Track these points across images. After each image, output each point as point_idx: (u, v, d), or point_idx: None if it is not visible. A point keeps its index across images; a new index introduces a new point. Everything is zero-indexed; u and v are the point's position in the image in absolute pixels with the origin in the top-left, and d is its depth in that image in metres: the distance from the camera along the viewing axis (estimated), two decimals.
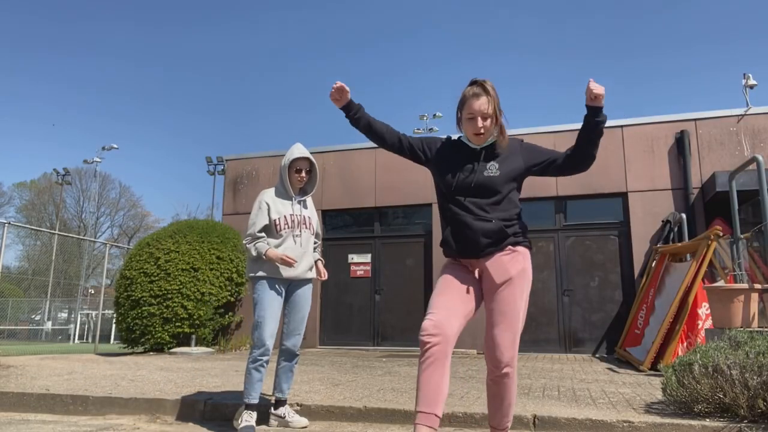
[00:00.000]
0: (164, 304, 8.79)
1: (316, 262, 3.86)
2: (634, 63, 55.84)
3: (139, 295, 8.85)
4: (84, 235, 32.95)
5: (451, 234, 2.52)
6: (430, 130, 24.21)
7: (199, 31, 58.94)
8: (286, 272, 3.56)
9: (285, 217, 3.66)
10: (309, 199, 3.86)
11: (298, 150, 3.74)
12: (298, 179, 3.73)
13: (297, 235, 3.65)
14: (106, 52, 55.38)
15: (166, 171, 60.74)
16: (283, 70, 62.37)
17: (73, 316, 22.01)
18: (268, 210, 3.65)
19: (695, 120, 9.07)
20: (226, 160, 11.87)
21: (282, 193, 3.72)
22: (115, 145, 30.41)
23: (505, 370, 2.38)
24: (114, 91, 57.08)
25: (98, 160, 31.18)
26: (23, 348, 11.41)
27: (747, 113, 8.86)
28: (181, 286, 8.88)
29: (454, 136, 2.68)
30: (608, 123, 9.05)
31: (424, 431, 2.17)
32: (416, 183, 10.05)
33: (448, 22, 57.96)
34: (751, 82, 9.36)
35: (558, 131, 9.65)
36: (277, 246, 3.58)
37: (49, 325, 21.53)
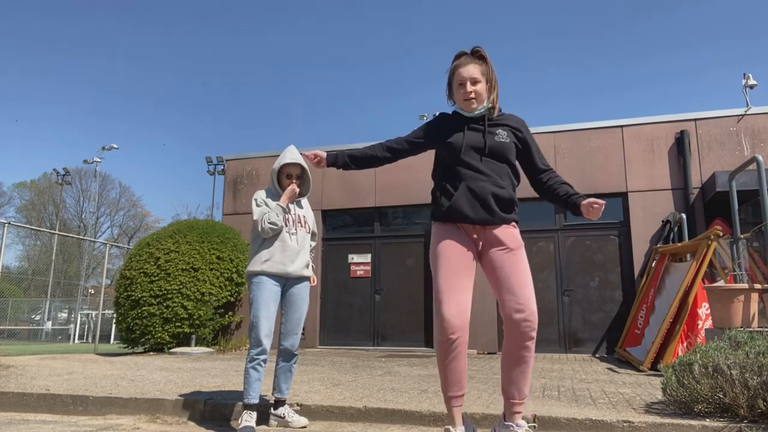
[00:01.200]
0: (164, 304, 8.79)
1: None
2: (634, 63, 55.88)
3: (139, 295, 8.85)
4: (84, 235, 32.96)
5: (466, 197, 2.44)
6: None
7: (199, 32, 58.99)
8: (283, 269, 3.55)
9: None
10: (304, 200, 3.85)
11: (290, 155, 3.68)
12: (288, 185, 3.69)
13: (293, 233, 3.64)
14: (106, 52, 55.44)
15: (166, 171, 60.79)
16: (283, 70, 62.43)
17: (73, 316, 22.03)
18: (267, 205, 3.66)
19: (695, 120, 9.07)
20: (226, 160, 11.87)
21: (274, 195, 3.69)
22: (115, 145, 30.45)
23: (532, 329, 2.35)
24: (114, 91, 57.13)
25: (98, 160, 31.21)
26: (23, 348, 11.41)
27: (747, 113, 8.86)
28: (181, 286, 8.88)
29: (449, 112, 2.67)
30: (608, 123, 9.00)
31: (458, 411, 2.45)
32: (416, 183, 10.05)
33: (449, 20, 58.01)
34: (751, 82, 9.36)
35: (558, 131, 9.65)
36: (273, 243, 3.57)
37: (49, 325, 21.54)
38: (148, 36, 57.68)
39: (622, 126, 9.39)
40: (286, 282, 3.62)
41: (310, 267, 3.76)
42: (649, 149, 9.19)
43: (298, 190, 3.68)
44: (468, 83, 2.45)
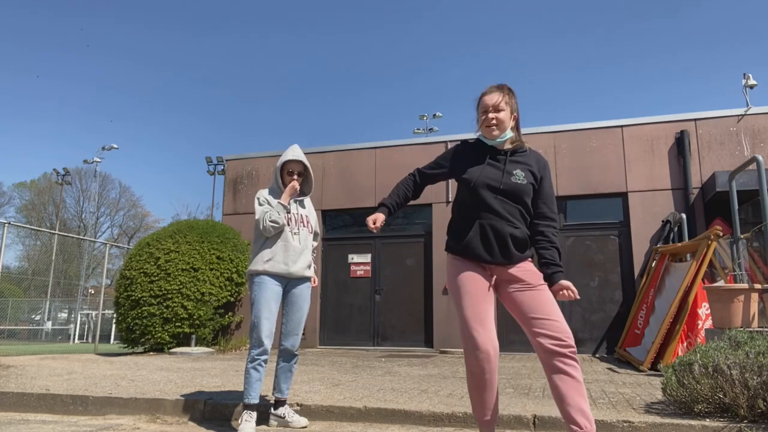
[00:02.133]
0: (164, 304, 8.79)
1: None
2: (634, 63, 55.87)
3: (139, 295, 8.85)
4: (84, 235, 32.96)
5: (480, 238, 2.44)
6: (430, 130, 24.20)
7: (199, 31, 58.98)
8: (285, 269, 3.53)
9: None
10: (307, 200, 3.86)
11: (292, 152, 3.73)
12: (290, 182, 3.70)
13: (295, 233, 3.63)
14: (106, 52, 55.42)
15: (166, 171, 60.79)
16: (283, 70, 62.42)
17: (73, 316, 22.03)
18: (268, 204, 3.68)
19: (695, 120, 9.07)
20: (226, 160, 11.86)
21: (277, 193, 3.70)
22: (115, 145, 30.48)
23: (571, 350, 2.25)
24: (114, 91, 57.11)
25: (98, 160, 31.23)
26: (23, 348, 11.41)
27: (747, 113, 8.86)
28: (181, 286, 8.88)
29: (471, 140, 2.68)
30: (608, 123, 9.01)
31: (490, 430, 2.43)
32: None
33: (448, 22, 58.00)
34: (751, 82, 9.35)
35: (558, 131, 9.65)
36: (275, 243, 3.56)
37: (49, 325, 21.54)
38: (149, 35, 57.71)
39: (622, 126, 9.39)
40: (288, 282, 3.62)
41: (312, 267, 3.76)
42: (649, 149, 9.19)
43: (298, 186, 3.69)
44: (491, 110, 2.51)
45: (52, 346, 13.42)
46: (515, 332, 8.86)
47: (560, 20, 55.77)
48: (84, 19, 54.53)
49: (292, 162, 3.70)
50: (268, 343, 3.42)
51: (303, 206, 3.78)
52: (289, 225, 3.63)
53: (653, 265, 8.15)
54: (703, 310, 6.12)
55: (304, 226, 3.71)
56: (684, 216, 8.19)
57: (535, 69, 57.94)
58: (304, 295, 3.65)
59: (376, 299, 10.26)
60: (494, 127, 2.50)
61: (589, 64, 57.37)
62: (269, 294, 3.48)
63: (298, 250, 3.60)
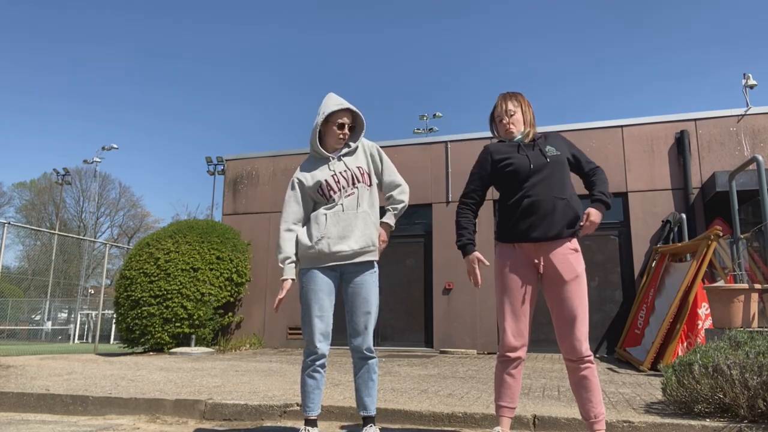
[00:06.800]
0: (164, 304, 8.79)
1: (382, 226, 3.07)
2: (634, 63, 55.88)
3: (139, 296, 8.85)
4: (84, 235, 32.96)
5: (527, 217, 2.60)
6: (430, 130, 24.21)
7: (200, 30, 58.98)
8: (327, 249, 2.83)
9: (327, 180, 2.89)
10: (356, 146, 3.04)
11: (334, 101, 2.92)
12: (340, 136, 2.92)
13: (349, 195, 2.90)
14: (107, 51, 55.43)
15: (166, 171, 60.80)
16: (283, 70, 62.41)
17: (73, 316, 22.03)
18: (301, 186, 2.94)
19: (695, 120, 9.07)
20: (226, 160, 11.85)
21: (314, 161, 2.96)
22: (115, 145, 30.51)
23: (587, 361, 2.56)
24: (114, 91, 57.12)
25: (98, 160, 31.28)
26: (23, 348, 11.42)
27: (747, 113, 8.86)
28: (180, 287, 8.88)
29: (494, 141, 2.90)
30: (608, 123, 9.02)
31: (506, 421, 2.65)
32: (416, 183, 10.04)
33: (446, 23, 58.01)
34: (751, 82, 9.35)
35: (558, 131, 9.61)
36: (323, 215, 2.89)
37: (49, 325, 21.55)
38: (150, 35, 57.72)
39: (622, 126, 9.39)
40: (343, 270, 2.94)
41: (374, 247, 3.00)
42: (649, 149, 9.19)
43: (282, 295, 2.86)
44: (505, 116, 2.78)
45: (52, 346, 13.43)
46: None
47: (560, 19, 55.80)
48: (84, 18, 54.55)
49: (339, 112, 2.89)
50: (322, 346, 2.83)
51: (351, 155, 3.02)
52: (335, 191, 2.89)
53: (653, 265, 8.15)
54: (703, 310, 6.12)
55: (359, 182, 2.96)
56: (684, 216, 8.19)
57: (535, 68, 57.96)
58: (364, 284, 2.88)
59: None
60: (512, 128, 2.77)
61: (590, 64, 57.36)
62: (317, 287, 2.83)
63: (344, 224, 2.87)
